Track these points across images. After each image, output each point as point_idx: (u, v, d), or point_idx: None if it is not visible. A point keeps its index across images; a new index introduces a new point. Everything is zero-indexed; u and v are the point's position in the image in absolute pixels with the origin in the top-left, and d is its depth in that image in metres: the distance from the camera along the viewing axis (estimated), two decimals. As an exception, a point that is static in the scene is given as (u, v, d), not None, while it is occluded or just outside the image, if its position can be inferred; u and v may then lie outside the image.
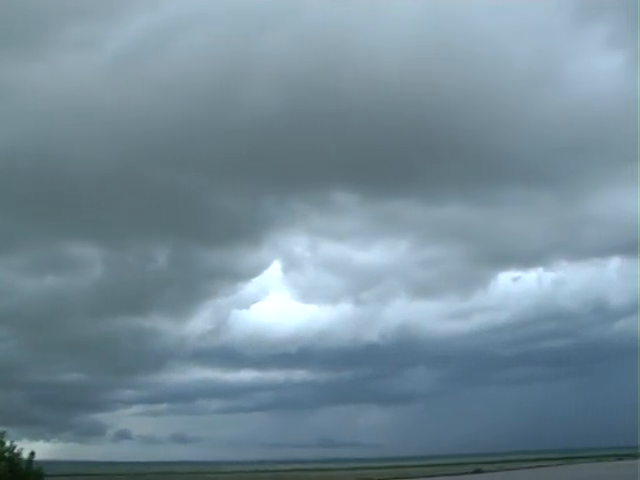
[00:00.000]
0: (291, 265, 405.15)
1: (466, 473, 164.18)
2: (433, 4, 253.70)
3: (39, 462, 44.44)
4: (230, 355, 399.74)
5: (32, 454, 43.50)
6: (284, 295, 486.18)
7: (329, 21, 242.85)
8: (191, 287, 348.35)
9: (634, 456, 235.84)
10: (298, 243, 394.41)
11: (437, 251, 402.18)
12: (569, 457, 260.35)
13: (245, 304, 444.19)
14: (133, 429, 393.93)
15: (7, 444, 42.57)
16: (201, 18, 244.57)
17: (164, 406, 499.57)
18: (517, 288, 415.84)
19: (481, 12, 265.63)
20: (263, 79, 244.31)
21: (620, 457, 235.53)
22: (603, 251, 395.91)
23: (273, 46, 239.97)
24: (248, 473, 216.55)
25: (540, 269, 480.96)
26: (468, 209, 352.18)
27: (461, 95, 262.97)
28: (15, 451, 42.76)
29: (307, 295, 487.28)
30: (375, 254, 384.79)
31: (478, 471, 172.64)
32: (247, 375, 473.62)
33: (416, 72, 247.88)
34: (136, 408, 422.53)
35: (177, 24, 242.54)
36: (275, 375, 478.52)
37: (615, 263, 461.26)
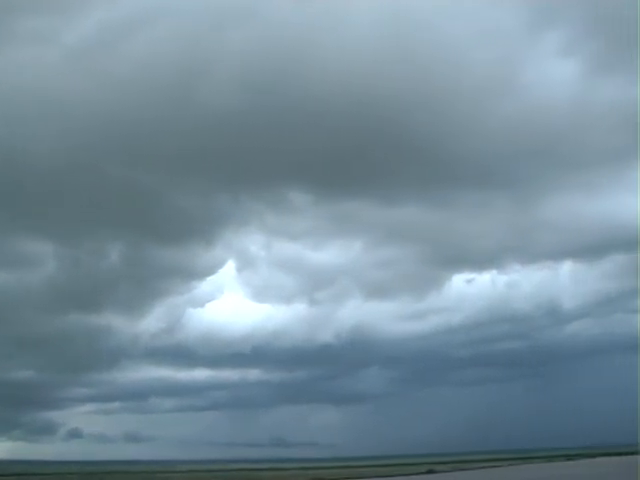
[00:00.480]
0: (245, 264, 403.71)
1: (419, 473, 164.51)
2: (396, 8, 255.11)
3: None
4: (184, 354, 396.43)
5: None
6: (239, 294, 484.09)
7: (291, 22, 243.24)
8: (145, 285, 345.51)
9: (583, 456, 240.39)
10: (253, 242, 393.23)
11: (392, 252, 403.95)
12: (521, 457, 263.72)
13: (200, 303, 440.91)
14: (84, 428, 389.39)
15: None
16: (160, 14, 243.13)
17: (117, 404, 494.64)
18: (471, 290, 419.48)
19: (443, 17, 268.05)
20: (222, 77, 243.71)
21: (570, 457, 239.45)
22: (556, 255, 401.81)
23: (234, 45, 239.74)
24: (201, 472, 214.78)
25: (494, 271, 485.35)
26: (423, 211, 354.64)
27: (420, 98, 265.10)
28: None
29: (261, 294, 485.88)
30: (329, 254, 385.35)
31: (431, 471, 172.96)
32: (201, 374, 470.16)
33: (378, 75, 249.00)
34: (88, 406, 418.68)
35: (135, 19, 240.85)
36: (229, 374, 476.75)
37: (567, 267, 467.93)
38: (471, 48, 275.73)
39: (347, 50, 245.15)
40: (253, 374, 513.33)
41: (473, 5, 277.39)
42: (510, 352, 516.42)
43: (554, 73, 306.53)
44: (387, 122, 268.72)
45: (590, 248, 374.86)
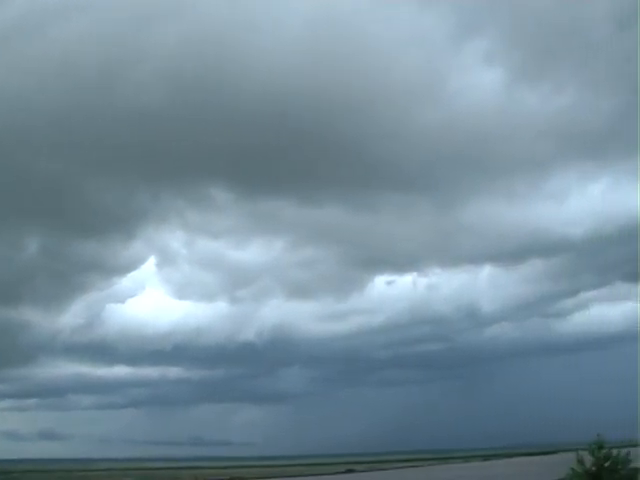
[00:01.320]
0: (166, 261, 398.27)
1: (338, 473, 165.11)
2: (329, 10, 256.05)
3: None
4: (103, 350, 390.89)
5: None
6: (160, 291, 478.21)
7: (221, 19, 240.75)
8: (64, 279, 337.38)
9: (500, 456, 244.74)
10: (173, 239, 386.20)
11: (314, 252, 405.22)
12: (440, 458, 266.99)
13: (120, 299, 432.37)
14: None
15: None
16: (85, 3, 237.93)
17: (33, 401, 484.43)
18: (392, 292, 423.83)
19: (374, 22, 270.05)
20: (147, 70, 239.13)
21: (486, 458, 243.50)
22: (476, 259, 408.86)
23: (161, 38, 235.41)
24: (118, 471, 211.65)
25: (415, 274, 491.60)
26: (346, 212, 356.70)
27: (348, 101, 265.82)
28: None
29: (182, 292, 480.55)
30: (251, 253, 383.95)
31: (350, 471, 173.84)
32: (120, 371, 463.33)
33: (307, 76, 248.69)
34: (2, 403, 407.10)
35: (58, 7, 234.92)
36: (149, 372, 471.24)
37: (487, 271, 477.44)
38: (400, 53, 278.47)
39: (277, 50, 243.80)
40: (173, 372, 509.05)
41: (403, 11, 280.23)
42: (430, 354, 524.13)
43: (478, 81, 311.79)
44: (313, 123, 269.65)
45: (509, 253, 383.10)
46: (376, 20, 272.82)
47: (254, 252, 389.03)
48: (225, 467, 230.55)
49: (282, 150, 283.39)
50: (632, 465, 41.24)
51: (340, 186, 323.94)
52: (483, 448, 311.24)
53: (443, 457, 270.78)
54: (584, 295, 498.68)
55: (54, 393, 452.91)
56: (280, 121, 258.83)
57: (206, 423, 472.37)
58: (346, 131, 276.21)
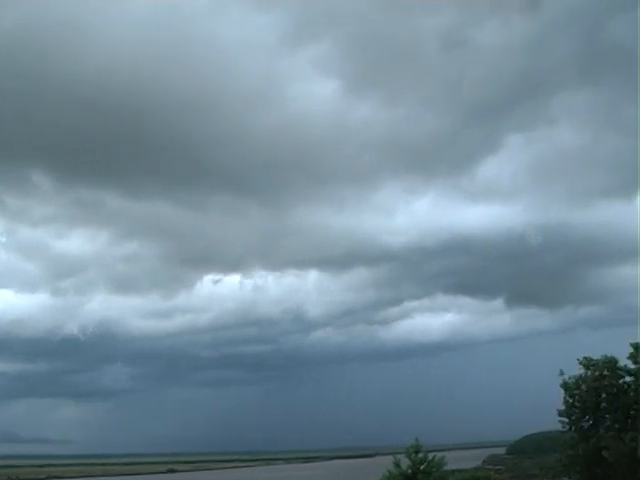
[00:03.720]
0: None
1: (159, 472, 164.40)
2: (171, 10, 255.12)
3: None
4: None
5: None
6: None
7: (62, 10, 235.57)
8: None
9: (322, 458, 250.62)
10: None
11: (139, 247, 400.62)
12: (262, 459, 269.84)
13: None
14: None
15: None
16: None
17: None
18: (219, 292, 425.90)
19: (217, 23, 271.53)
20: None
21: (307, 459, 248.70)
22: (302, 264, 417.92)
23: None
24: None
25: (242, 275, 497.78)
26: (174, 208, 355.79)
27: (185, 100, 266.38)
28: None
29: (1, 281, 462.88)
30: (74, 243, 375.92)
31: (172, 471, 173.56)
32: None
33: (145, 70, 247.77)
34: None
35: None
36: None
37: (313, 276, 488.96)
38: (240, 58, 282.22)
39: (113, 46, 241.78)
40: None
41: (243, 15, 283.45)
42: (255, 355, 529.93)
43: (313, 89, 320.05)
44: (144, 118, 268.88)
45: (336, 260, 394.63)
46: (214, 23, 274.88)
47: (77, 243, 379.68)
48: (42, 466, 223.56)
49: (109, 142, 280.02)
50: (446, 468, 44.28)
51: (168, 182, 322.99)
52: (305, 450, 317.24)
53: (265, 458, 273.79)
54: (407, 305, 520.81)
55: None
56: (112, 114, 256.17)
57: (23, 419, 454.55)
58: (180, 129, 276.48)
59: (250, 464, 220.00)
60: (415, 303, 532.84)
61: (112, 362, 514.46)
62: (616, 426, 56.92)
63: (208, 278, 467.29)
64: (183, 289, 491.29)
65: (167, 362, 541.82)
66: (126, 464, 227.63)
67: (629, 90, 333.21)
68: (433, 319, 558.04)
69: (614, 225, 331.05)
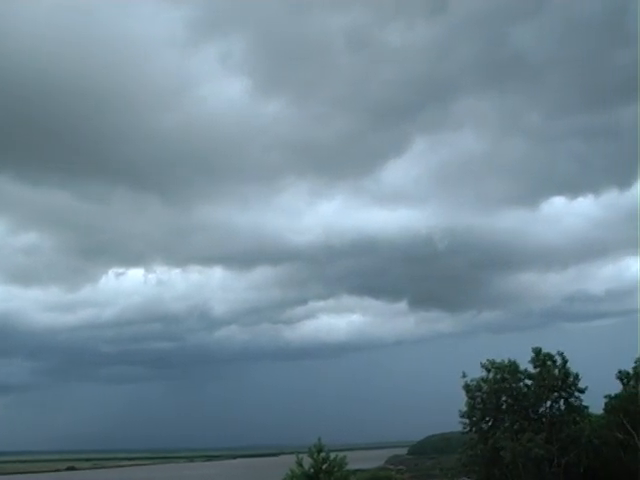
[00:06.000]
0: None
1: (58, 470, 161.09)
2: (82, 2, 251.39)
3: None
4: None
5: None
6: None
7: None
8: None
9: (224, 457, 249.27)
10: None
11: (38, 237, 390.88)
12: (164, 457, 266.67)
13: None
14: None
15: None
16: None
17: None
18: (123, 287, 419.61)
19: (126, 17, 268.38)
20: None
21: (209, 458, 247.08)
22: (206, 260, 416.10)
23: None
24: None
25: (145, 270, 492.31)
26: (75, 199, 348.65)
27: (89, 92, 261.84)
28: None
29: None
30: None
31: (71, 468, 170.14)
32: None
33: (55, 63, 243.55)
34: None
35: None
36: None
37: (218, 273, 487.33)
38: (149, 53, 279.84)
39: (24, 40, 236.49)
40: None
41: (152, 7, 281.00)
42: (159, 352, 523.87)
43: (222, 86, 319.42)
44: (49, 107, 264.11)
45: (240, 258, 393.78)
46: (123, 16, 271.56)
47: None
48: None
49: (7, 127, 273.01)
50: (348, 468, 44.43)
51: (70, 173, 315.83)
52: (208, 448, 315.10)
53: (167, 457, 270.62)
54: (312, 305, 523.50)
55: None
56: (12, 104, 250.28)
57: None
58: (85, 122, 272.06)
59: (152, 462, 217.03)
60: (320, 303, 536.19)
61: (10, 356, 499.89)
62: (515, 427, 58.44)
63: (110, 272, 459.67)
64: (86, 282, 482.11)
65: (69, 357, 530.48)
66: (24, 462, 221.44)
67: (532, 97, 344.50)
68: (338, 320, 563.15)
69: (518, 232, 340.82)
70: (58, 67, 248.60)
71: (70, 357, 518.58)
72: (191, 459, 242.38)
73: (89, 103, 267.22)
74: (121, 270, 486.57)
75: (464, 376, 61.24)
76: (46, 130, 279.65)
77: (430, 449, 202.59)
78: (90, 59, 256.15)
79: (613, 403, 58.38)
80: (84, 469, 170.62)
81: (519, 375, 60.40)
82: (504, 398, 60.42)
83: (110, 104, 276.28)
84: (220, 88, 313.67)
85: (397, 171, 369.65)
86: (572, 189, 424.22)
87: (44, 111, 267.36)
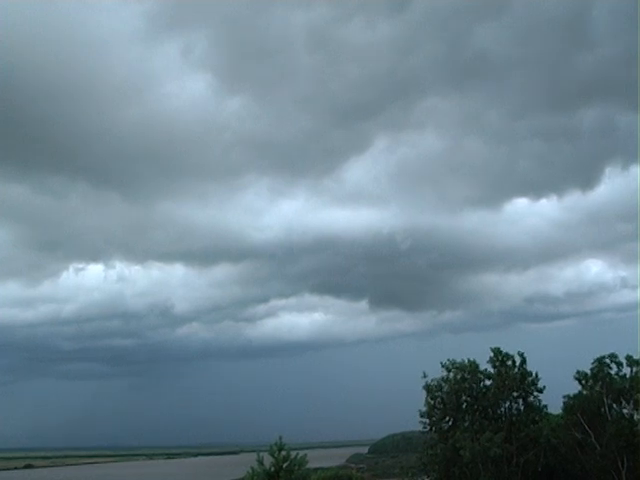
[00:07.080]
0: None
1: (16, 468, 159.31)
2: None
3: None
4: None
5: None
6: None
7: None
8: None
9: (184, 455, 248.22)
10: None
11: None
12: (123, 455, 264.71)
13: None
14: None
15: None
16: None
17: None
18: (83, 283, 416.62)
19: (89, 10, 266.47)
20: None
21: (170, 456, 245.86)
22: (167, 257, 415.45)
23: None
24: None
25: (105, 266, 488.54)
26: (34, 194, 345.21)
27: (48, 86, 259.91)
28: None
29: None
30: None
31: (29, 466, 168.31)
32: None
33: (14, 54, 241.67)
34: None
35: None
36: None
37: (179, 270, 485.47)
38: (112, 47, 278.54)
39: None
40: None
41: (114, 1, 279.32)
42: (120, 349, 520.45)
43: (185, 83, 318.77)
44: (7, 102, 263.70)
45: (201, 255, 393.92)
46: (86, 10, 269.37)
47: None
48: None
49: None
50: (308, 466, 44.56)
51: (26, 166, 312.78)
52: (168, 446, 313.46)
53: (127, 454, 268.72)
54: (274, 303, 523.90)
55: None
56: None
57: None
58: (41, 116, 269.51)
59: (111, 460, 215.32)
60: (282, 302, 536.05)
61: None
62: (474, 427, 58.93)
63: (69, 267, 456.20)
64: (45, 278, 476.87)
65: (26, 353, 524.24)
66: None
67: (494, 97, 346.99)
68: (300, 318, 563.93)
69: (479, 233, 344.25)
70: (17, 59, 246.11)
71: (29, 354, 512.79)
72: (151, 457, 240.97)
73: (49, 97, 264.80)
74: (81, 265, 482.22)
75: (425, 376, 61.65)
76: (3, 122, 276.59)
77: (391, 448, 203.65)
78: (51, 52, 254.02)
79: (571, 403, 59.09)
80: (42, 467, 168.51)
81: (479, 375, 60.94)
82: (464, 398, 60.93)
83: (71, 98, 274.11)
84: (182, 83, 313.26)
85: (358, 170, 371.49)
86: (535, 190, 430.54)
87: (1, 104, 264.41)
